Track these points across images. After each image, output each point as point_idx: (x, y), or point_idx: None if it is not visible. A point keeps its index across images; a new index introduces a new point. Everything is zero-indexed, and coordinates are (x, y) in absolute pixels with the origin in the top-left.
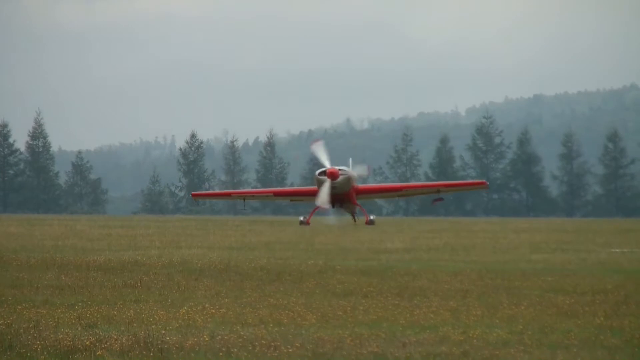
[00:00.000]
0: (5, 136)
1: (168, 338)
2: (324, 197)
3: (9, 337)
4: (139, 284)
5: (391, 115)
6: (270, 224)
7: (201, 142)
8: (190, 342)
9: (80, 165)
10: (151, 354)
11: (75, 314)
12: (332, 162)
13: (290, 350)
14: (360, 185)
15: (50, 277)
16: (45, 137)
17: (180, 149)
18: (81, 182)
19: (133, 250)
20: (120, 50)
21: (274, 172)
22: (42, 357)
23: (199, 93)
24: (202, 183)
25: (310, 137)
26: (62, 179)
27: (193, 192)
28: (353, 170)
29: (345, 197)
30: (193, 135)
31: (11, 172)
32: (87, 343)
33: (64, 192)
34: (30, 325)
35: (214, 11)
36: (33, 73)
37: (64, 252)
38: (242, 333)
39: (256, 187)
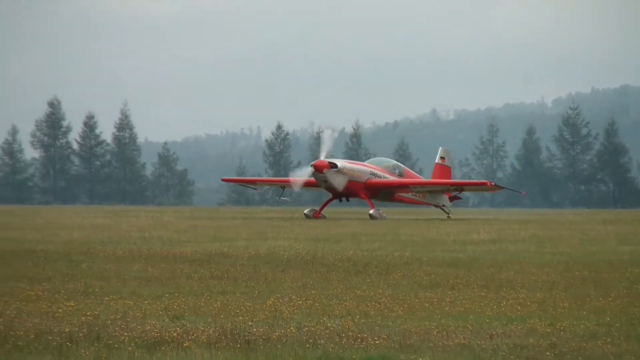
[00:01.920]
0: (92, 127)
1: (255, 329)
2: (297, 181)
3: (96, 328)
4: (225, 276)
5: (477, 106)
6: (355, 215)
7: (287, 133)
8: (277, 333)
9: (166, 157)
10: (238, 345)
11: (162, 306)
12: (420, 152)
13: (377, 341)
14: (371, 180)
15: (137, 269)
16: (131, 129)
17: (266, 140)
18: (167, 173)
19: (220, 242)
20: (207, 40)
21: None
22: (130, 348)
23: (284, 84)
24: (288, 174)
25: (396, 127)
26: (149, 170)
27: (223, 178)
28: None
29: (346, 192)
30: (279, 126)
31: (98, 163)
32: (174, 334)
33: (151, 184)
34: (118, 317)
35: (298, 3)
36: (119, 64)
37: (150, 244)
38: (328, 324)
39: None
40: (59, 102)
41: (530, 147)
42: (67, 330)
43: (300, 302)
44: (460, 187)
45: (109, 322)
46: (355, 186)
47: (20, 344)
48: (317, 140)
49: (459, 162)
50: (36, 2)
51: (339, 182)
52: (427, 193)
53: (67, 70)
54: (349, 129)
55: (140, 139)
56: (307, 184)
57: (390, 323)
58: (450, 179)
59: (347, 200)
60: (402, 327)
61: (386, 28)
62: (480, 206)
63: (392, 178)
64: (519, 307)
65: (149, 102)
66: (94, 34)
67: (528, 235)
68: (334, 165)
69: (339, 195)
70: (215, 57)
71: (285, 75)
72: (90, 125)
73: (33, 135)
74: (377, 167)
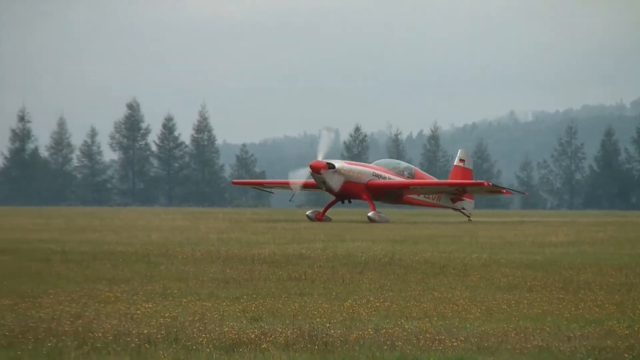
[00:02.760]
0: (171, 129)
1: (332, 331)
2: (296, 182)
3: (174, 330)
4: (303, 277)
5: (555, 107)
6: (434, 216)
7: (365, 135)
8: (354, 335)
9: (245, 159)
10: (315, 347)
11: (240, 307)
12: (498, 154)
13: (454, 343)
14: (372, 181)
15: (215, 270)
16: (210, 131)
17: (345, 142)
18: (246, 175)
19: (297, 244)
20: (284, 43)
21: (438, 165)
22: (208, 350)
23: (362, 86)
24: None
25: (474, 129)
26: (227, 172)
27: (234, 180)
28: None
29: (346, 193)
30: (357, 129)
31: (176, 165)
32: (252, 336)
33: (229, 186)
34: (196, 318)
35: (378, 5)
36: (198, 66)
37: (229, 246)
38: (406, 326)
39: None
40: (138, 104)
41: (608, 149)
42: (145, 331)
43: (378, 304)
44: (460, 187)
45: (187, 323)
46: (356, 187)
47: (98, 345)
48: (395, 142)
49: (537, 164)
50: (116, 4)
51: (335, 183)
52: (441, 195)
53: (146, 72)
54: (427, 131)
55: (219, 141)
56: (307, 186)
57: (467, 325)
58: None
59: (349, 202)
60: (480, 329)
61: (462, 29)
62: (558, 208)
63: (398, 180)
64: (597, 309)
65: (227, 104)
66: (174, 36)
67: (606, 237)
68: (331, 166)
69: (341, 197)
70: (293, 60)
71: (363, 78)
72: (169, 127)
73: (112, 137)
74: (382, 169)
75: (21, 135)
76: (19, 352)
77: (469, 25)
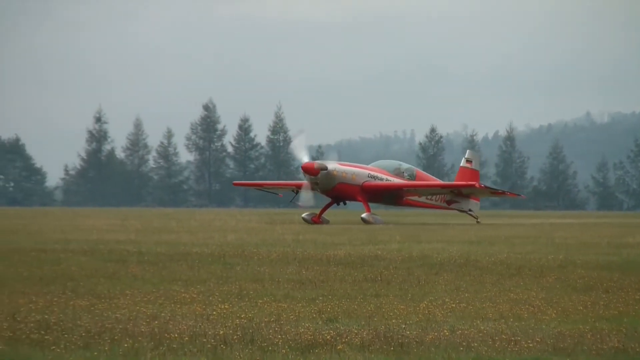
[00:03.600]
0: (247, 130)
1: (408, 332)
2: (305, 195)
3: (250, 330)
4: (379, 278)
5: (632, 108)
6: (509, 217)
7: (441, 137)
8: (430, 336)
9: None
10: (391, 348)
11: (315, 308)
12: (574, 156)
13: (530, 344)
14: (368, 183)
15: (290, 272)
16: (285, 132)
17: (420, 143)
18: None
19: (373, 245)
20: (360, 44)
21: (514, 166)
22: (283, 351)
23: (437, 87)
24: (442, 177)
25: (550, 131)
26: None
27: (234, 182)
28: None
29: (340, 194)
30: (433, 130)
31: (252, 166)
32: (328, 337)
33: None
34: (272, 319)
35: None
36: (274, 67)
37: (304, 246)
38: (482, 327)
39: (495, 182)
40: (214, 105)
41: None
42: (221, 332)
43: (454, 305)
44: (455, 189)
45: (263, 324)
46: (350, 189)
47: (174, 346)
48: (470, 143)
49: (614, 165)
50: (192, 4)
51: (326, 184)
52: (445, 197)
53: (223, 73)
54: (503, 132)
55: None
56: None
57: (543, 326)
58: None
59: (344, 204)
60: (556, 330)
61: (538, 29)
62: (635, 209)
63: (396, 181)
64: None
65: (303, 105)
66: (250, 37)
67: None
68: (323, 167)
69: (335, 199)
70: (368, 61)
71: (439, 79)
72: (244, 128)
73: (188, 139)
74: (380, 170)
75: (98, 137)
76: (95, 353)
77: (546, 26)
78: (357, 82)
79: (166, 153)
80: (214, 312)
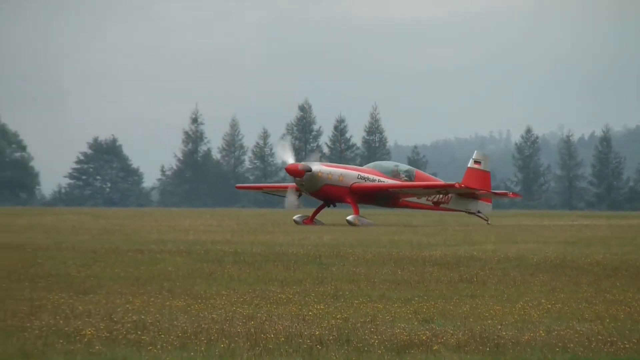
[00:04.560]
0: (342, 131)
1: (504, 333)
2: (289, 197)
3: (346, 331)
4: (474, 279)
5: None
6: (606, 218)
7: (537, 137)
8: (526, 337)
9: (416, 160)
10: (487, 349)
11: (411, 309)
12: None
13: (627, 346)
14: (356, 184)
15: (386, 272)
16: (381, 132)
17: (516, 144)
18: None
19: (468, 245)
20: (452, 43)
21: (610, 167)
22: (379, 351)
23: (532, 88)
24: (538, 178)
25: None
26: None
27: (237, 185)
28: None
29: (326, 196)
30: (528, 130)
31: None
32: (423, 338)
33: None
34: (367, 320)
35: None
36: (370, 67)
37: (400, 247)
38: (578, 328)
39: (591, 182)
40: (310, 106)
41: None
42: (317, 333)
43: (549, 306)
44: (433, 189)
45: (358, 325)
46: (339, 191)
47: (270, 346)
48: (566, 144)
49: None
50: (290, 5)
51: (311, 186)
52: (449, 198)
53: (318, 73)
54: (599, 133)
55: (390, 143)
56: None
57: None
58: (490, 184)
59: (334, 206)
60: None
61: (634, 25)
62: None
63: (388, 182)
64: None
65: (398, 105)
66: (344, 37)
67: None
68: (307, 169)
69: (326, 201)
70: (465, 60)
71: (533, 79)
72: (340, 129)
73: (284, 139)
74: (373, 171)
75: (194, 137)
76: (191, 354)
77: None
78: (451, 81)
79: (262, 154)
80: (310, 313)
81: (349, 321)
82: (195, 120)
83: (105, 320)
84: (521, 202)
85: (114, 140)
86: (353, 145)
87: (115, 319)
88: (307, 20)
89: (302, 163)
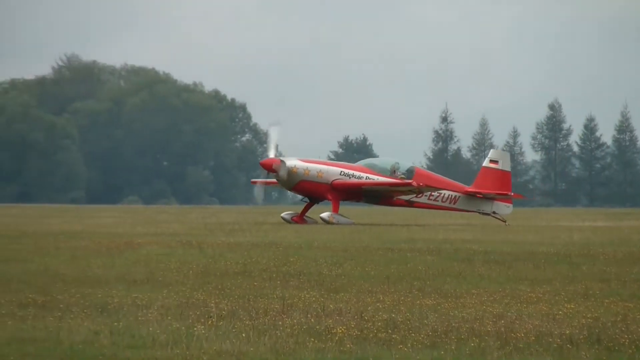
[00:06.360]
0: (592, 130)
1: None
2: (257, 190)
3: (596, 330)
4: None
5: None
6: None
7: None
8: None
9: None
10: None
11: None
12: None
13: None
14: (337, 181)
15: (637, 271)
16: (631, 131)
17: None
18: None
19: None
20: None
21: None
22: (630, 351)
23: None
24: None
25: None
26: None
27: (252, 180)
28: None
29: (304, 192)
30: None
31: (598, 166)
32: None
33: None
34: (618, 319)
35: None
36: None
37: None
38: None
39: None
40: (560, 105)
41: None
42: (567, 332)
43: None
44: (391, 187)
45: (609, 324)
46: (319, 187)
47: (520, 345)
48: None
49: None
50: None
51: (287, 182)
52: (457, 198)
53: (568, 73)
54: None
55: None
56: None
57: None
58: (510, 184)
59: (317, 203)
60: None
61: None
62: None
63: (378, 179)
64: None
65: None
66: (589, 36)
67: None
68: (278, 165)
69: (309, 198)
70: None
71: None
72: (590, 128)
73: (534, 138)
74: (363, 168)
75: (444, 136)
76: (442, 352)
77: None
78: None
79: (512, 152)
80: (560, 312)
81: (599, 320)
82: (445, 120)
83: (356, 318)
84: None
85: (364, 140)
86: (603, 144)
87: (365, 318)
88: (552, 19)
89: (278, 158)
